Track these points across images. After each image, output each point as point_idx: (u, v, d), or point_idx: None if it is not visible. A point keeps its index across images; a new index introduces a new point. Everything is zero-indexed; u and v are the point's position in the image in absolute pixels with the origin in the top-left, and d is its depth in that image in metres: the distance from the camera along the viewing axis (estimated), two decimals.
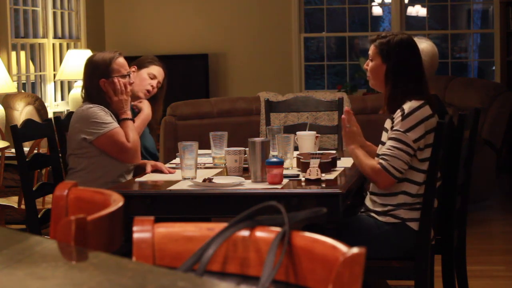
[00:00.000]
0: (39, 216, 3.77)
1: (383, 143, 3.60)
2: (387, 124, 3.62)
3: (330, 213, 3.28)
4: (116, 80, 3.96)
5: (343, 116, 3.67)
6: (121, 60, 4.01)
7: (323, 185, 3.42)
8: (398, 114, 3.53)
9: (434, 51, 4.18)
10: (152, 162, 3.99)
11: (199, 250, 1.41)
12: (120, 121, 3.96)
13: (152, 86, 4.45)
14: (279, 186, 3.42)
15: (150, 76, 4.45)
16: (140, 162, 4.02)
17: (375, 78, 3.66)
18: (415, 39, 3.80)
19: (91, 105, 3.92)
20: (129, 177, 4.01)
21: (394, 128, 3.52)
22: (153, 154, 4.49)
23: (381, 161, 3.50)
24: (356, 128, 3.68)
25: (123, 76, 3.98)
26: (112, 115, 3.95)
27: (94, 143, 3.89)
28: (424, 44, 4.11)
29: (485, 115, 6.74)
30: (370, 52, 3.67)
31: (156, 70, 4.48)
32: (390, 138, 3.52)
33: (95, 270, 1.35)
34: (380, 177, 3.50)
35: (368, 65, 3.68)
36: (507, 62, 9.10)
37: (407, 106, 3.53)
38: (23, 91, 7.57)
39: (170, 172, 3.87)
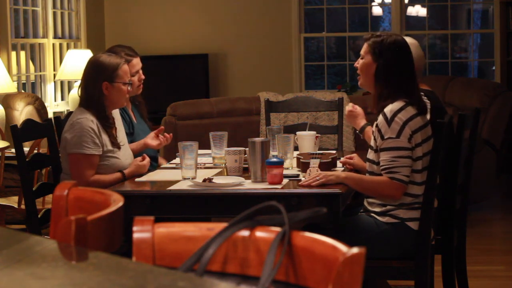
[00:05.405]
0: (39, 216, 3.77)
1: (375, 139, 3.58)
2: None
3: (330, 213, 3.28)
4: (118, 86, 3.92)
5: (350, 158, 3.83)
6: (126, 67, 3.98)
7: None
8: (382, 122, 3.51)
9: (415, 42, 4.17)
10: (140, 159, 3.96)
11: (199, 250, 1.41)
12: (120, 171, 3.89)
13: (139, 80, 4.40)
14: (279, 186, 3.42)
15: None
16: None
17: (364, 75, 3.64)
18: None
19: (85, 118, 3.83)
20: None
21: (386, 137, 3.48)
22: (152, 156, 4.47)
23: (393, 175, 3.46)
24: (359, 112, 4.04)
25: (125, 84, 3.96)
26: (102, 127, 3.87)
27: (68, 156, 3.86)
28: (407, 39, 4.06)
29: (485, 115, 6.73)
30: (362, 49, 3.66)
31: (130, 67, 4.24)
32: (388, 149, 3.48)
33: (95, 270, 1.35)
34: (398, 191, 3.48)
35: (359, 62, 3.67)
36: (507, 62, 9.09)
37: (388, 109, 3.50)
38: (23, 91, 7.56)
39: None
